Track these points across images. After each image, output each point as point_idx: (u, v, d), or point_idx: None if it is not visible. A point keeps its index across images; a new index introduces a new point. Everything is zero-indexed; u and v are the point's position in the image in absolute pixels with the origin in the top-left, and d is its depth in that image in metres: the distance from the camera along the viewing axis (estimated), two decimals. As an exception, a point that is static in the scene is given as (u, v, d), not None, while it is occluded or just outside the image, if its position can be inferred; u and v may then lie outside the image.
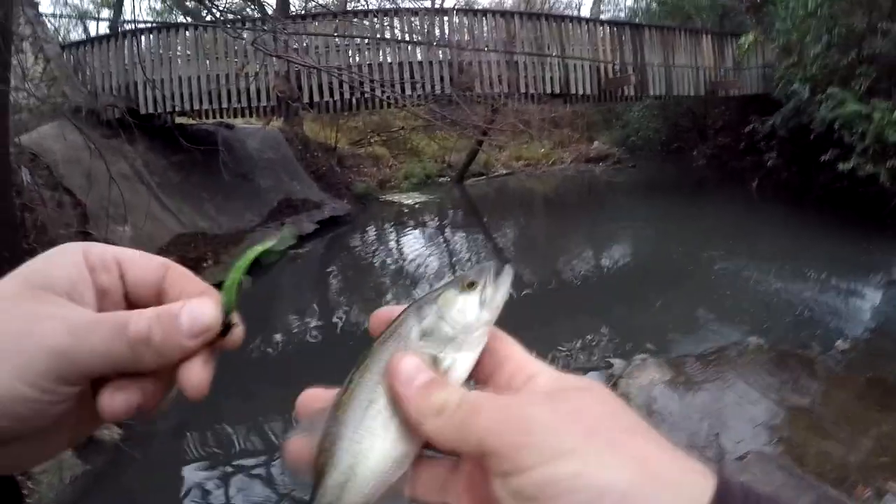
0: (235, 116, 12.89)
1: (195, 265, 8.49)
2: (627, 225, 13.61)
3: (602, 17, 21.35)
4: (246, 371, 5.96)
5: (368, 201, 16.57)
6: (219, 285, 0.50)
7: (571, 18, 13.95)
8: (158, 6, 21.74)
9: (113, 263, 0.50)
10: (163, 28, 12.38)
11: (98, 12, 21.05)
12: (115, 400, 0.46)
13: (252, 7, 18.96)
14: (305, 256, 11.13)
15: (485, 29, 12.35)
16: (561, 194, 19.17)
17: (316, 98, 11.16)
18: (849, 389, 5.07)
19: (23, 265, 0.47)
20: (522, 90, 12.05)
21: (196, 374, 0.47)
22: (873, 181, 9.73)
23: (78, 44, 12.31)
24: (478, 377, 0.49)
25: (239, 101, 11.23)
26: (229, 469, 4.93)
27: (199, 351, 0.48)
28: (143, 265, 0.52)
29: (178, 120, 12.20)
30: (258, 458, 5.00)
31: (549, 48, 12.27)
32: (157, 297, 0.51)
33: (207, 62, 11.24)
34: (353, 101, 11.60)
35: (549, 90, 12.33)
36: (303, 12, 16.24)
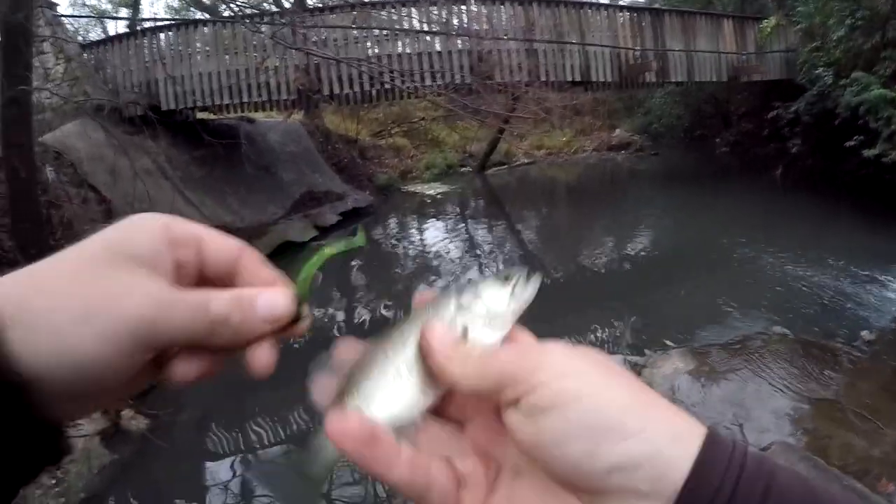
0: (256, 110, 12.96)
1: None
2: (650, 213, 13.53)
3: (621, 2, 21.17)
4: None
5: (390, 192, 16.60)
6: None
7: (591, 5, 13.80)
8: (176, 3, 21.91)
9: (193, 239, 0.52)
10: (181, 25, 12.45)
11: (116, 11, 21.20)
12: (190, 366, 0.49)
13: (269, 1, 19.01)
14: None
15: (504, 17, 12.31)
16: (583, 183, 19.07)
17: (336, 90, 11.19)
18: (873, 381, 5.03)
19: (104, 232, 0.49)
20: (543, 78, 11.97)
21: (265, 357, 0.51)
22: (900, 168, 9.57)
23: (98, 43, 12.44)
24: None
25: (259, 95, 11.28)
26: (254, 459, 4.99)
27: (268, 336, 0.51)
28: (221, 245, 0.54)
29: (200, 115, 12.28)
30: (282, 449, 5.05)
31: (568, 35, 12.20)
32: (230, 278, 0.53)
33: (227, 57, 11.29)
34: (374, 92, 11.61)
35: (569, 78, 12.26)
36: (321, 5, 16.24)
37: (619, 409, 0.41)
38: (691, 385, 5.14)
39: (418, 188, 17.58)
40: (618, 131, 23.46)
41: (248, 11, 11.45)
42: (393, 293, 8.95)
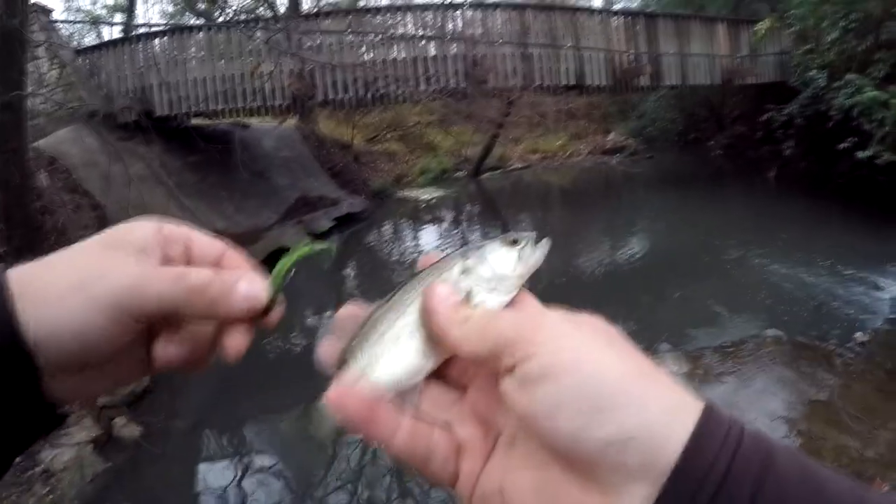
0: (251, 116, 12.93)
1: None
2: (644, 217, 13.55)
3: (615, 6, 21.23)
4: (263, 369, 6.01)
5: (385, 197, 16.57)
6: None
7: (584, 9, 13.88)
8: (170, 9, 21.90)
9: (181, 238, 0.58)
10: (176, 30, 12.44)
11: (111, 16, 21.19)
12: (167, 349, 0.55)
13: (264, 7, 19.02)
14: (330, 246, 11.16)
15: (498, 22, 12.31)
16: (578, 187, 19.06)
17: (330, 95, 11.18)
18: (867, 382, 5.04)
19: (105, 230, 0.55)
20: (537, 82, 12.00)
21: (237, 340, 0.55)
22: (893, 169, 9.59)
23: (92, 48, 12.38)
24: None
25: (254, 101, 11.27)
26: (247, 466, 4.97)
27: (242, 321, 0.55)
28: (207, 244, 0.59)
29: (194, 121, 12.25)
30: (276, 455, 5.02)
31: (562, 39, 12.22)
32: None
33: (221, 63, 11.29)
34: (368, 97, 11.59)
35: (563, 82, 12.28)
36: (315, 10, 16.24)
37: (615, 380, 0.41)
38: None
39: (413, 193, 17.55)
40: (612, 135, 23.49)
41: (243, 17, 11.46)
42: (383, 297, 8.93)
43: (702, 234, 11.15)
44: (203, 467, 5.11)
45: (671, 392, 0.41)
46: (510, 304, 0.52)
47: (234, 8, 19.22)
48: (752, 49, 13.97)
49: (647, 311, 7.50)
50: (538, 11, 12.51)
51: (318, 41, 11.18)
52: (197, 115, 12.04)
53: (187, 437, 5.51)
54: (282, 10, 17.63)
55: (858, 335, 5.96)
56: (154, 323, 0.54)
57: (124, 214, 7.43)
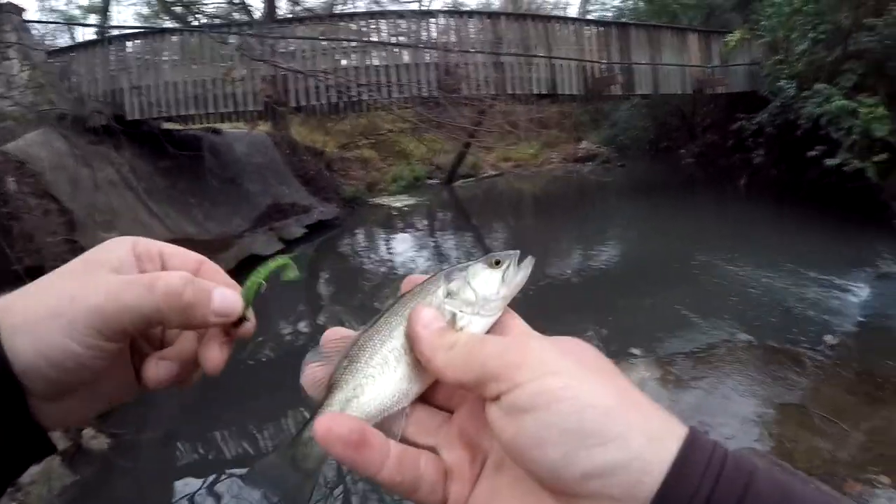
0: (223, 121, 12.84)
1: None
2: (616, 224, 13.64)
3: (589, 16, 21.38)
4: (235, 379, 5.92)
5: (357, 205, 16.52)
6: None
7: (557, 18, 13.94)
8: (145, 11, 21.69)
9: (156, 255, 0.58)
10: (149, 33, 12.30)
11: (85, 18, 20.94)
12: (159, 368, 0.57)
13: (239, 12, 18.91)
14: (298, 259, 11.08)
15: (471, 30, 12.34)
16: (549, 195, 19.16)
17: (303, 102, 11.09)
18: (838, 385, 5.07)
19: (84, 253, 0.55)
20: (509, 91, 12.02)
21: (215, 353, 0.56)
22: (860, 176, 9.76)
23: (64, 50, 12.21)
24: None
25: (226, 106, 11.14)
26: (220, 477, 4.87)
27: (217, 333, 0.57)
28: (182, 258, 0.59)
29: (166, 125, 12.12)
30: (248, 466, 4.95)
31: (535, 49, 12.25)
32: None
33: (194, 67, 11.16)
34: (341, 104, 11.53)
35: (536, 91, 12.32)
36: (290, 16, 16.18)
37: (599, 412, 0.40)
38: (658, 394, 5.13)
39: (385, 200, 17.52)
40: (584, 143, 23.68)
41: (217, 21, 11.37)
42: (358, 306, 8.90)
43: (673, 241, 11.22)
44: (174, 480, 4.99)
45: (655, 420, 0.41)
46: (496, 325, 0.53)
47: (208, 12, 19.15)
48: (724, 59, 14.13)
49: (618, 317, 7.52)
50: (512, 20, 12.57)
51: (293, 47, 11.11)
52: (168, 119, 11.89)
53: (158, 449, 5.40)
54: (257, 14, 17.58)
55: (828, 338, 6.02)
56: (139, 343, 0.58)
57: (92, 220, 7.34)
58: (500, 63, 11.89)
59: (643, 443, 0.39)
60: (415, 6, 14.54)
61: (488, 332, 0.53)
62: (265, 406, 5.70)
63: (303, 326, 8.31)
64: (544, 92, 12.45)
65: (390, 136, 21.40)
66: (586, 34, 13.25)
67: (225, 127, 14.10)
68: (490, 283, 0.54)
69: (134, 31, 13.46)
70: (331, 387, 0.52)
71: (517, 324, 0.54)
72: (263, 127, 15.70)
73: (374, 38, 11.58)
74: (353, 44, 11.32)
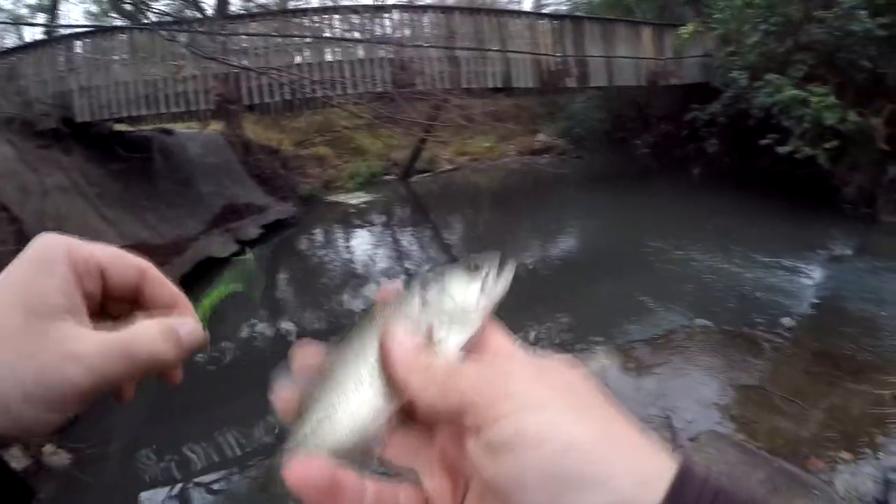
0: (175, 121, 12.61)
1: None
2: (573, 216, 13.71)
3: (542, 10, 21.44)
4: (198, 385, 5.80)
5: (314, 203, 16.35)
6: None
7: (511, 12, 13.95)
8: (94, 9, 21.22)
9: (96, 269, 0.54)
10: (98, 31, 12.02)
11: (34, 17, 20.37)
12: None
13: (190, 8, 18.60)
14: (251, 262, 10.92)
15: (425, 25, 12.28)
16: (507, 188, 19.17)
17: (256, 100, 10.90)
18: (796, 365, 5.15)
19: (11, 280, 0.50)
20: (464, 85, 11.96)
21: (177, 371, 0.57)
22: (811, 163, 10.00)
23: (11, 51, 11.88)
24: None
25: (177, 106, 10.88)
26: (186, 486, 4.79)
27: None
28: (123, 267, 0.56)
29: (117, 127, 11.85)
30: (214, 475, 4.87)
31: (489, 43, 12.24)
32: (134, 296, 0.57)
33: (145, 66, 10.91)
34: (295, 101, 11.39)
35: (490, 84, 12.30)
36: (243, 12, 15.95)
37: (584, 453, 0.37)
38: (619, 381, 5.17)
39: (342, 198, 17.36)
40: (540, 136, 23.72)
41: (168, 18, 11.14)
42: (318, 305, 8.83)
43: (630, 230, 11.31)
44: (140, 491, 4.88)
45: (643, 458, 0.38)
46: (475, 339, 0.49)
47: (158, 9, 18.82)
48: (677, 52, 14.25)
49: (577, 307, 7.56)
50: (466, 15, 12.53)
51: (245, 44, 10.93)
52: (119, 121, 11.59)
53: (122, 462, 5.26)
54: (209, 11, 17.29)
55: (785, 321, 6.12)
56: None
57: (43, 228, 7.12)
58: (454, 57, 11.85)
59: (630, 485, 0.36)
60: (368, 1, 14.36)
61: (468, 348, 0.49)
62: (229, 411, 5.61)
63: (263, 328, 8.19)
64: (499, 86, 12.44)
65: (346, 133, 21.23)
66: (541, 28, 13.27)
67: (177, 127, 13.84)
68: (469, 293, 0.50)
69: (83, 29, 13.17)
70: (302, 408, 0.48)
71: (499, 340, 0.50)
72: (216, 126, 15.46)
73: (328, 34, 11.46)
74: (307, 40, 11.19)
